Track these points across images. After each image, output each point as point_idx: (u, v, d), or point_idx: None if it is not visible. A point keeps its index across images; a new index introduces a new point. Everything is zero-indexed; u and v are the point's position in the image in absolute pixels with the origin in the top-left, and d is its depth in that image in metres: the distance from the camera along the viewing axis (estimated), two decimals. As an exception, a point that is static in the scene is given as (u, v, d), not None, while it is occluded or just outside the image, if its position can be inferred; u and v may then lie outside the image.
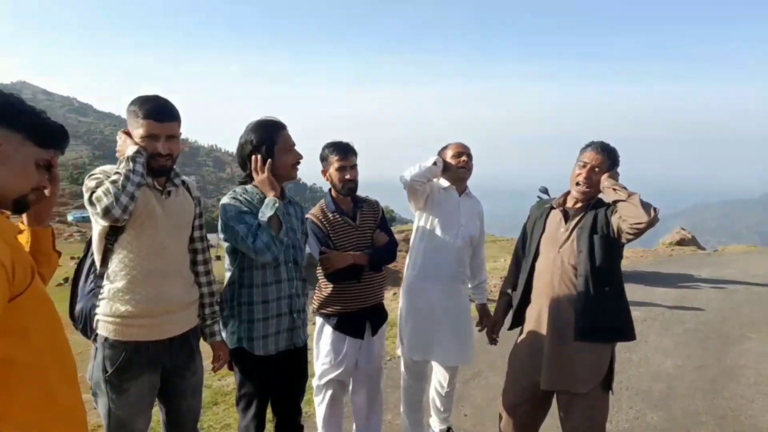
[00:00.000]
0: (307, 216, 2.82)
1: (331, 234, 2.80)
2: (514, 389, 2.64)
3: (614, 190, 2.38)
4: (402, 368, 3.19)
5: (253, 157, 2.35)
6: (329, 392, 2.86)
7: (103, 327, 2.02)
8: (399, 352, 3.18)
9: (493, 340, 2.96)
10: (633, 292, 6.88)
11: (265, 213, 2.26)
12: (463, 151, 3.05)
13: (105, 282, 2.03)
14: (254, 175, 2.38)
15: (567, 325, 2.45)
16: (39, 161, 1.41)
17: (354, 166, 2.84)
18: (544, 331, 2.52)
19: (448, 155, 3.05)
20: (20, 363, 1.28)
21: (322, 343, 2.87)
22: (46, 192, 1.55)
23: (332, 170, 2.82)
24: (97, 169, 2.00)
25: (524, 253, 2.76)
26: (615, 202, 2.37)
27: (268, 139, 2.36)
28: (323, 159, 2.88)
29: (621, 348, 2.61)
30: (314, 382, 2.91)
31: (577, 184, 2.53)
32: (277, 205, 2.26)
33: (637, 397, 4.14)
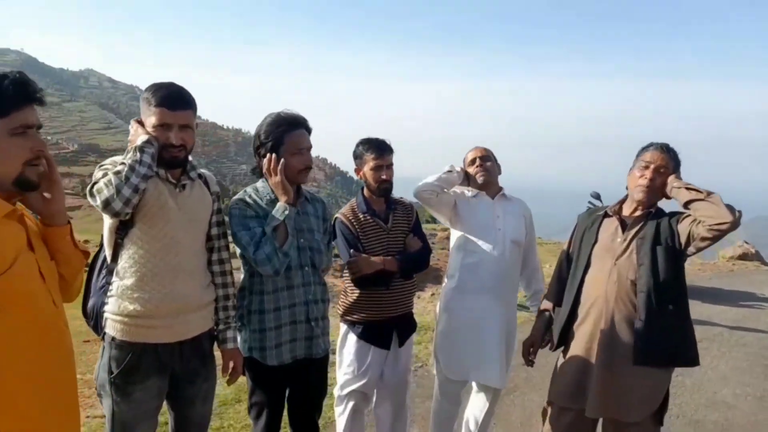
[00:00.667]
0: (336, 215, 2.70)
1: (361, 236, 2.64)
2: (559, 419, 2.39)
3: (687, 189, 2.14)
4: (435, 388, 2.95)
5: (267, 155, 2.19)
6: (351, 403, 2.69)
7: (111, 326, 1.92)
8: (434, 370, 2.94)
9: (529, 362, 2.62)
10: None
11: (273, 220, 2.11)
12: (476, 156, 2.86)
13: (114, 278, 1.93)
14: (266, 175, 2.23)
15: (622, 346, 2.20)
16: (13, 131, 1.26)
17: (390, 166, 2.68)
18: (594, 352, 2.27)
19: (467, 163, 2.90)
20: None
21: (346, 351, 2.71)
22: (46, 195, 1.44)
23: (367, 169, 2.66)
24: (108, 160, 1.89)
25: (569, 265, 2.49)
26: (689, 203, 2.13)
27: (276, 138, 2.20)
28: (357, 156, 2.73)
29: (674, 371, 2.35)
30: (335, 391, 2.75)
31: (639, 186, 2.28)
32: (287, 212, 2.11)
33: (689, 427, 3.79)
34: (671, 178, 2.23)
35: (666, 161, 2.25)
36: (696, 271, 11.60)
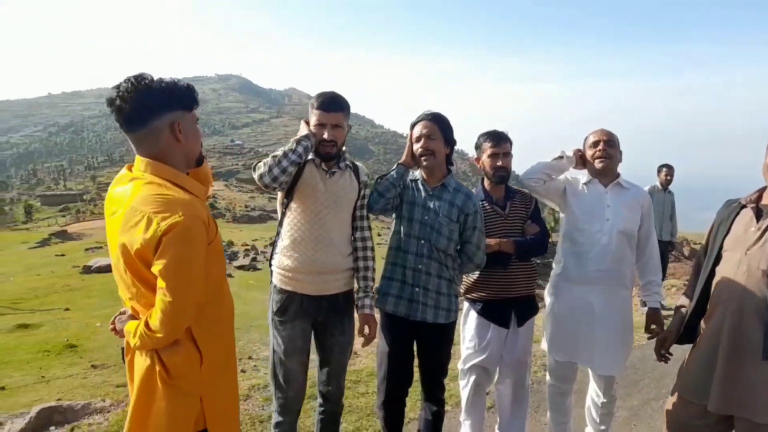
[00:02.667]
0: None
1: None
2: (682, 413, 2.31)
3: None
4: (547, 362, 3.06)
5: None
6: (473, 377, 2.90)
7: (275, 276, 2.50)
8: (544, 347, 3.04)
9: (661, 357, 2.56)
10: None
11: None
12: (599, 139, 2.75)
13: (279, 239, 2.50)
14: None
15: (751, 341, 2.07)
16: (196, 120, 1.73)
17: (507, 154, 2.82)
18: (720, 346, 2.15)
19: (587, 144, 2.81)
20: (205, 294, 1.62)
21: (467, 327, 2.93)
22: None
23: (485, 157, 2.83)
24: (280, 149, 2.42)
25: (705, 258, 2.39)
26: None
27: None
28: (477, 147, 2.91)
29: None
30: (459, 365, 2.99)
31: None
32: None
33: None
34: None
35: None
36: None
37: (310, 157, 2.41)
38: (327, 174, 2.44)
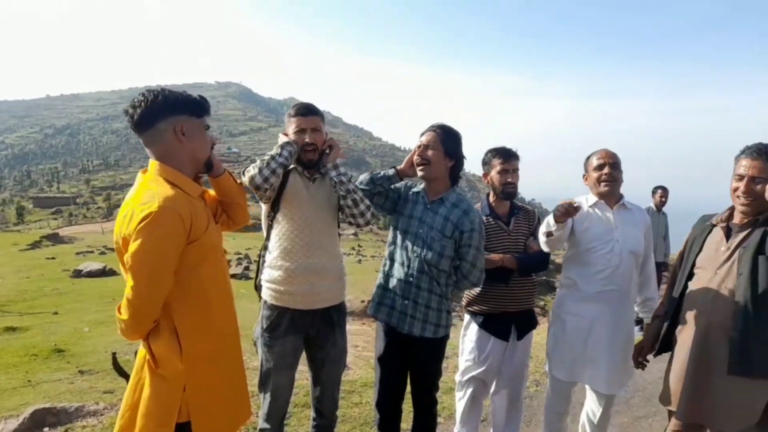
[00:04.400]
0: None
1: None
2: (672, 419, 2.40)
3: None
4: (548, 384, 3.04)
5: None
6: (470, 389, 2.91)
7: (264, 292, 2.48)
8: (546, 367, 3.03)
9: (638, 364, 2.66)
10: None
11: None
12: (604, 162, 2.70)
13: (267, 253, 2.50)
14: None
15: (717, 356, 2.17)
16: (204, 126, 1.83)
17: (515, 170, 2.85)
18: (690, 360, 2.28)
19: (591, 166, 2.77)
20: (189, 290, 1.71)
21: (467, 339, 2.94)
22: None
23: (494, 173, 2.87)
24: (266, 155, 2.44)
25: (680, 272, 2.48)
26: None
27: None
28: (485, 163, 2.94)
29: None
30: (456, 377, 2.99)
31: (736, 199, 2.20)
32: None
33: None
34: None
35: (759, 168, 2.11)
36: None
37: (292, 165, 2.46)
38: (310, 181, 2.49)
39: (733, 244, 2.21)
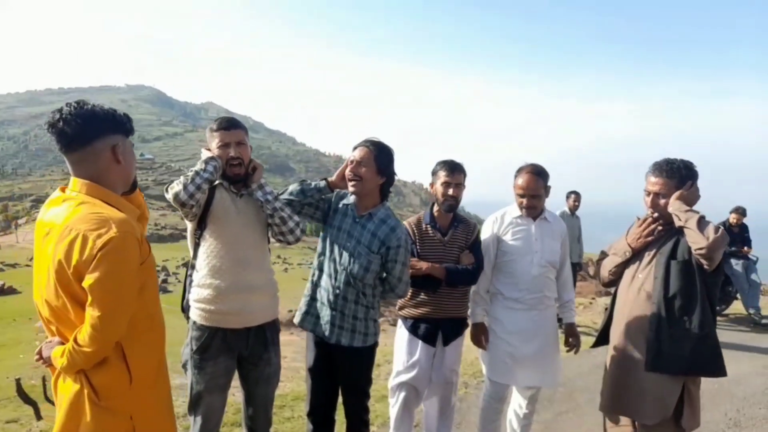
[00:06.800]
0: (405, 222, 2.93)
1: (418, 243, 2.89)
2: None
3: (677, 216, 2.24)
4: (484, 387, 3.15)
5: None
6: (402, 395, 2.92)
7: (193, 312, 2.36)
8: (484, 370, 3.13)
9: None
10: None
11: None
12: (525, 193, 2.90)
13: (195, 272, 2.38)
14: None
15: (636, 353, 2.36)
16: (131, 147, 1.76)
17: (459, 185, 2.89)
18: (615, 355, 2.48)
19: (515, 186, 2.94)
20: (137, 312, 1.63)
21: (398, 344, 2.98)
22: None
23: (438, 184, 2.90)
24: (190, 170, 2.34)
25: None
26: (680, 228, 2.24)
27: None
28: (433, 173, 2.98)
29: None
30: (389, 382, 3.01)
31: (649, 210, 2.42)
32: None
33: None
34: (671, 201, 2.28)
35: (662, 185, 2.32)
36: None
37: (218, 181, 2.37)
38: (237, 196, 2.40)
39: (654, 249, 2.39)
